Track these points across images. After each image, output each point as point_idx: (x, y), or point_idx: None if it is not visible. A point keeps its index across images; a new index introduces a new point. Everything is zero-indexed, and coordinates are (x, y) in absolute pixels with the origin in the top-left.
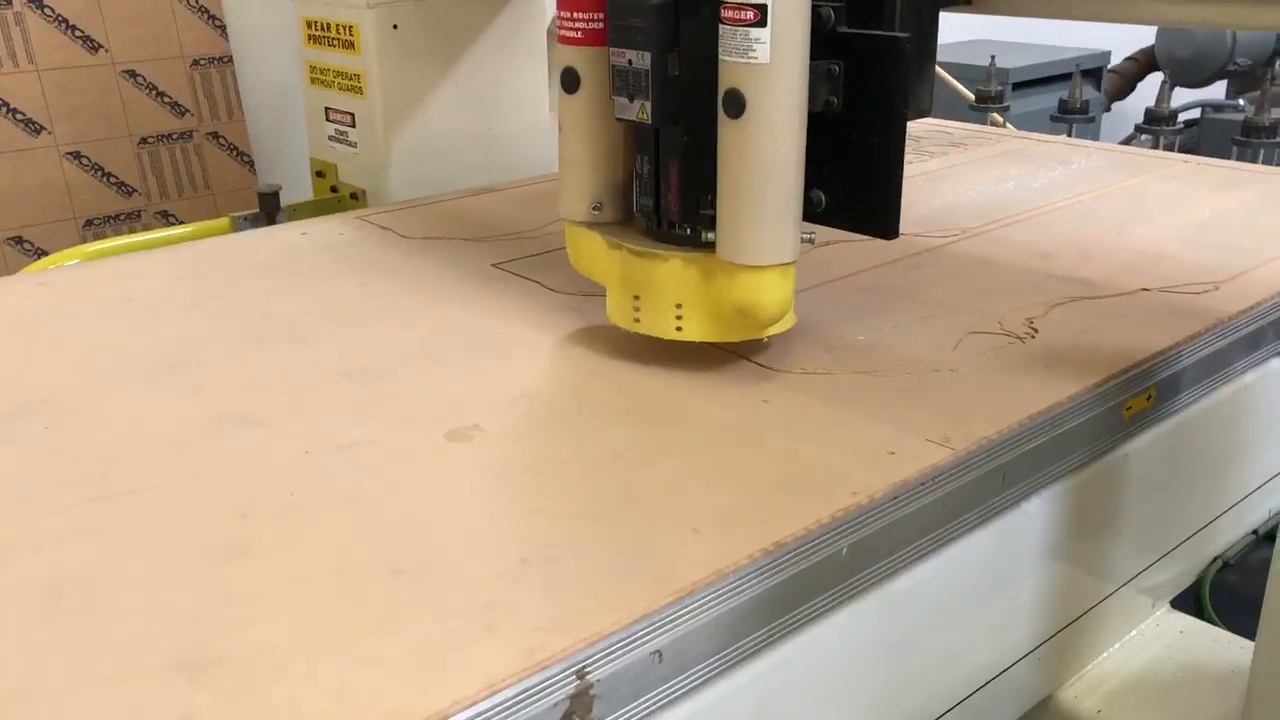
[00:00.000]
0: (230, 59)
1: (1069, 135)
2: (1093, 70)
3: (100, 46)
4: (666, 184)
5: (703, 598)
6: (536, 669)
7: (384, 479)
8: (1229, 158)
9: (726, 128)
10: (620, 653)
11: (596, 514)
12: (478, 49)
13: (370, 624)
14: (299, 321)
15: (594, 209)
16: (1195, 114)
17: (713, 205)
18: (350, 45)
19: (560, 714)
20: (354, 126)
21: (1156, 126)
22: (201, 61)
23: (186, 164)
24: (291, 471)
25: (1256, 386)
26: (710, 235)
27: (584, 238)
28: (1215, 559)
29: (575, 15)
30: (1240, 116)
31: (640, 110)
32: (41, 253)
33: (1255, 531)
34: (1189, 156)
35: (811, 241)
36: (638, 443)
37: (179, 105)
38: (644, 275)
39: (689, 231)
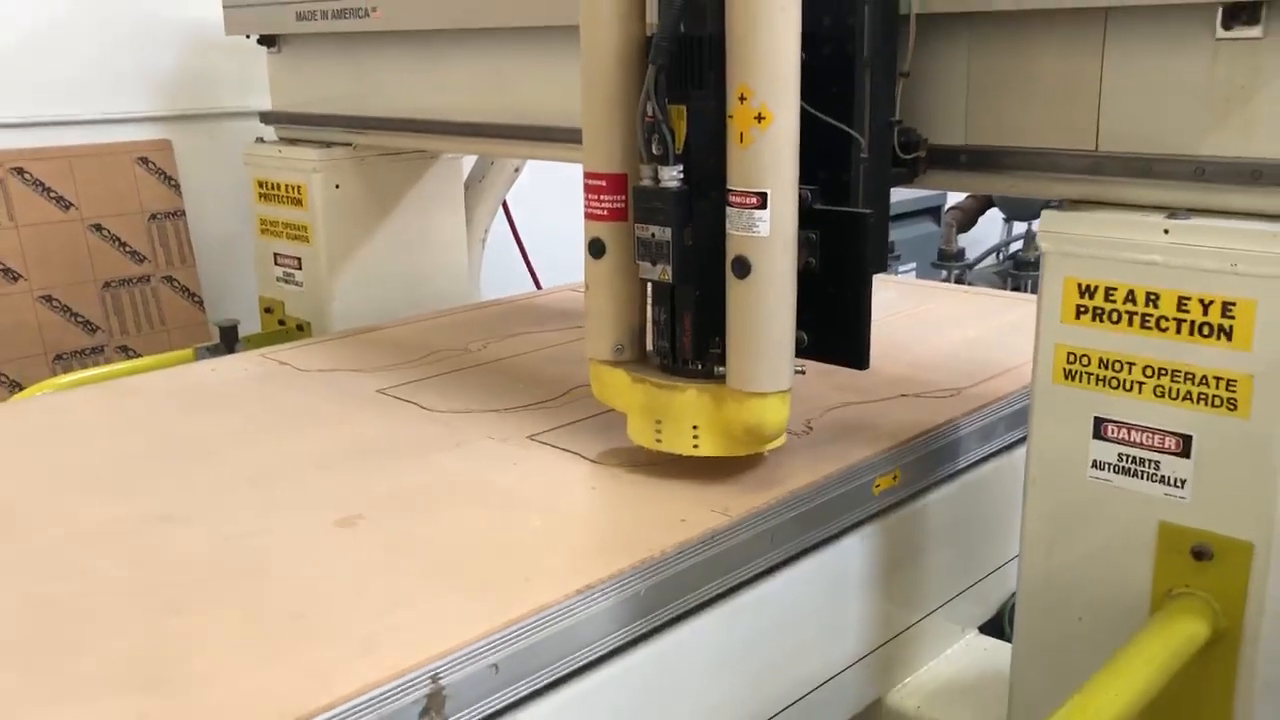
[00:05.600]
0: (183, 212)
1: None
2: (933, 209)
3: (71, 205)
4: (681, 329)
5: (530, 625)
6: (401, 674)
7: (286, 554)
8: None
9: (735, 286)
10: (465, 665)
11: (452, 572)
12: (406, 203)
13: (278, 650)
14: (207, 443)
15: (616, 350)
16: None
17: (720, 345)
18: (298, 201)
19: (420, 709)
20: (300, 269)
21: (947, 263)
22: (158, 215)
23: (144, 304)
24: (210, 553)
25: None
26: (720, 369)
27: (608, 375)
28: (1013, 594)
29: (602, 198)
30: None
31: (662, 272)
32: (16, 385)
33: None
34: (969, 288)
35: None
36: (492, 523)
37: (138, 253)
38: (665, 404)
39: (700, 367)
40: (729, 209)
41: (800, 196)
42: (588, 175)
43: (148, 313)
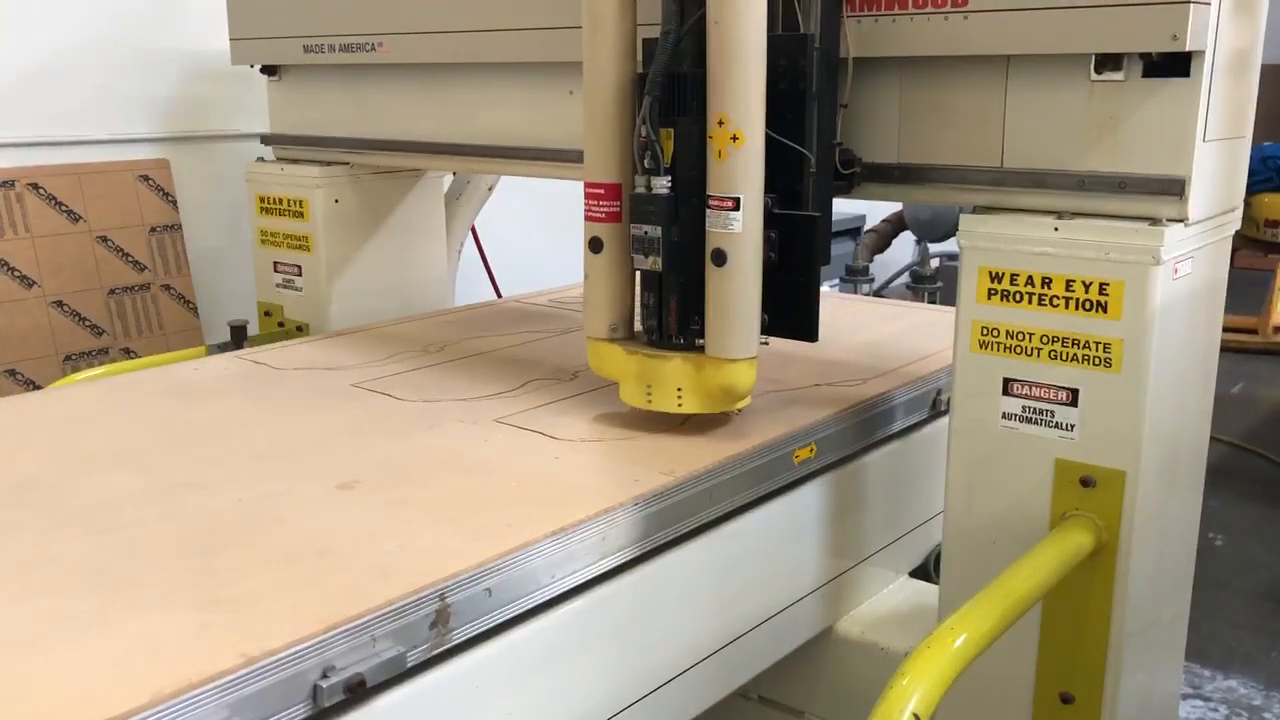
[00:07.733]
0: (180, 226)
1: None
2: (853, 229)
3: (80, 218)
4: (667, 310)
5: (515, 559)
6: (415, 593)
7: (301, 510)
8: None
9: (714, 272)
10: (464, 588)
11: (445, 520)
12: (395, 216)
13: (312, 577)
14: (207, 428)
15: (612, 329)
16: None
17: (698, 322)
18: (300, 215)
19: (430, 622)
20: (300, 275)
21: (854, 278)
22: (158, 229)
23: (145, 310)
24: (234, 510)
25: (939, 435)
26: (700, 342)
27: (605, 349)
28: (937, 544)
29: (601, 203)
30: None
31: (653, 263)
32: (31, 383)
33: None
34: (875, 299)
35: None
36: (473, 484)
37: (139, 263)
38: (654, 371)
39: (682, 341)
40: (709, 210)
41: (764, 201)
42: (589, 185)
43: (148, 318)
